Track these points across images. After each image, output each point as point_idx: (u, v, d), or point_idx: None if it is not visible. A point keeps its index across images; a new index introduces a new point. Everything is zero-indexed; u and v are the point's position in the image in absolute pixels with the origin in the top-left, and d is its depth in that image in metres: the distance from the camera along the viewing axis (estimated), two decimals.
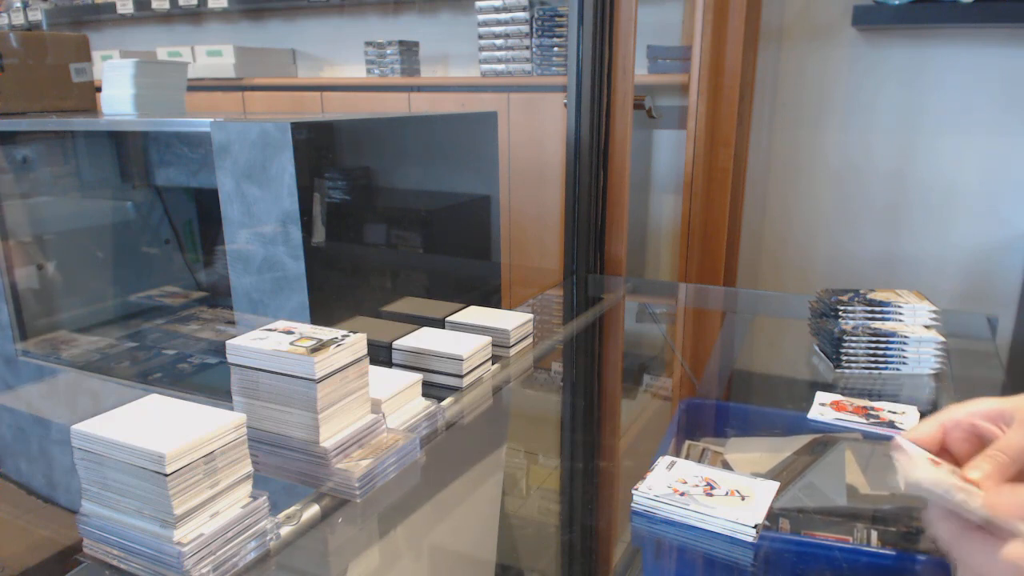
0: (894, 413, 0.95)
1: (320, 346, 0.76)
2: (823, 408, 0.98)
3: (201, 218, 1.87)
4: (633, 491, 0.76)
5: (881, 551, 0.72)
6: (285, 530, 0.70)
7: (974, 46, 1.89)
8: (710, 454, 0.93)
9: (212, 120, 1.07)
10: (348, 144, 1.09)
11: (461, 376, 1.05)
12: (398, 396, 0.89)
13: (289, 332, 0.80)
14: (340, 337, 0.78)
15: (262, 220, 1.03)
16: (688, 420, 1.05)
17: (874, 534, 0.74)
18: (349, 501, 0.76)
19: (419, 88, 2.53)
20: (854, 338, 1.12)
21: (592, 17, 1.57)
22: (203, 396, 1.29)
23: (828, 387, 1.07)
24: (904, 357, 1.10)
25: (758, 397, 1.22)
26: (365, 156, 1.14)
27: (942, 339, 1.10)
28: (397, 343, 1.10)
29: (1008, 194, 1.93)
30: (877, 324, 1.14)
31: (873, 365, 1.11)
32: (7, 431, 1.60)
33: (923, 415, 0.95)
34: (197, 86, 2.83)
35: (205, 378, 1.41)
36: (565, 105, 1.67)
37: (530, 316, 1.24)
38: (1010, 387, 1.13)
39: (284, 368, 0.75)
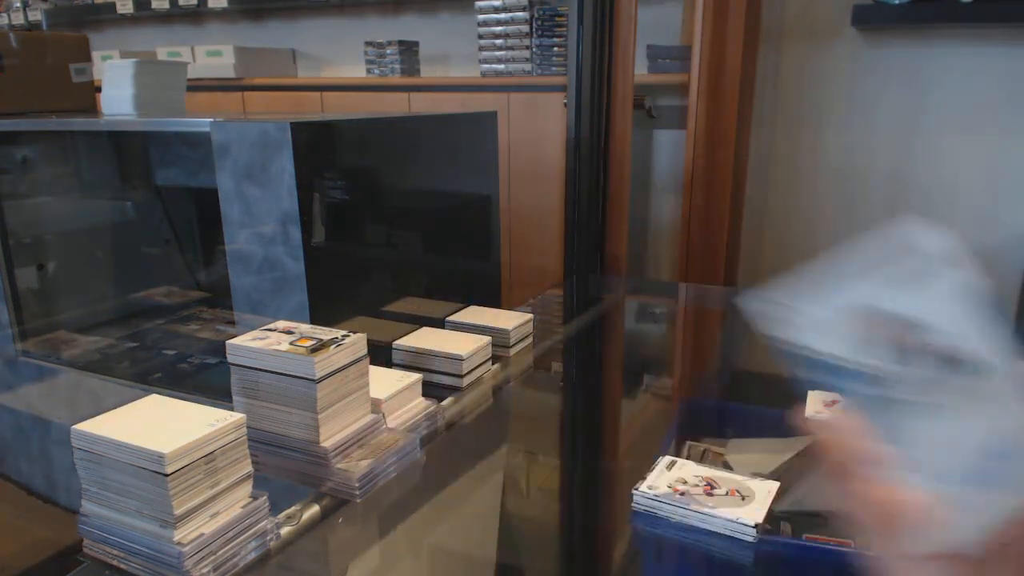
0: None
1: (320, 346, 0.76)
2: (821, 408, 0.98)
3: (201, 218, 1.87)
4: (633, 491, 0.76)
5: None
6: (285, 530, 0.70)
7: (974, 46, 1.89)
8: (710, 454, 0.93)
9: (212, 120, 1.07)
10: (348, 144, 1.09)
11: (461, 376, 1.05)
12: (398, 396, 0.89)
13: (289, 332, 0.80)
14: (340, 337, 0.78)
15: (262, 220, 1.03)
16: (688, 420, 1.05)
17: None
18: (349, 501, 0.76)
19: (419, 88, 2.53)
20: None
21: (592, 17, 1.57)
22: (203, 396, 1.28)
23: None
24: None
25: (758, 397, 1.22)
26: (365, 156, 1.14)
27: None
28: (397, 343, 1.10)
29: (1008, 194, 1.93)
30: None
31: None
32: (7, 431, 1.60)
33: None
34: (197, 86, 2.83)
35: (205, 378, 1.41)
36: (565, 105, 1.67)
37: (530, 316, 1.24)
38: None
39: (284, 368, 0.75)
